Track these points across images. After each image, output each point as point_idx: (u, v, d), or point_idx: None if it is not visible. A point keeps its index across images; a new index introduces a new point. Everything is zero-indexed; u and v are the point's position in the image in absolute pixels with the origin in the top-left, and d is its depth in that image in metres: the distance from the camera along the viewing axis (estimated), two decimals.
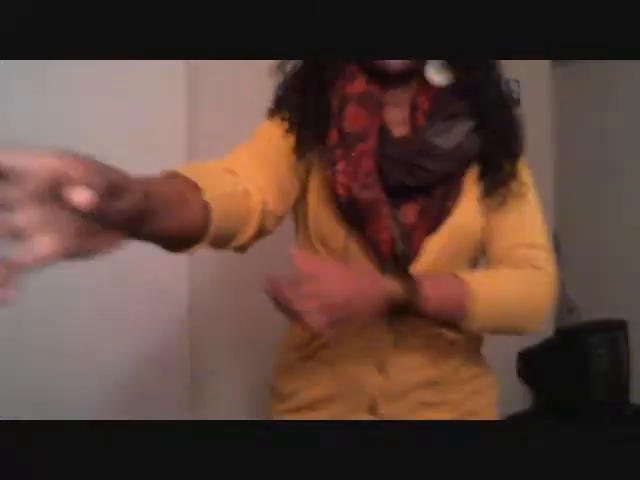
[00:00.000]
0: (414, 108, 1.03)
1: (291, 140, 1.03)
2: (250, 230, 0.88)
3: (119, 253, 1.96)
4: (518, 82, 3.03)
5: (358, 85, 1.05)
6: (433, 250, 1.01)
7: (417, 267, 1.01)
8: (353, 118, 0.99)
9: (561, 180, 3.36)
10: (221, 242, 0.84)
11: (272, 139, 1.06)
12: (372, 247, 0.99)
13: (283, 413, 1.17)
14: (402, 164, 0.97)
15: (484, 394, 1.14)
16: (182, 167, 0.89)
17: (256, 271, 2.13)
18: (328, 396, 1.10)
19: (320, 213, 1.02)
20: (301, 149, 1.01)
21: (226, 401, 2.11)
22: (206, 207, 0.78)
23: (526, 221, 1.08)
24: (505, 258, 1.03)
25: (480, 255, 1.10)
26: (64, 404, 1.71)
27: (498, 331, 1.01)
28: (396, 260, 0.99)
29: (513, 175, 1.04)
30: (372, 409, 1.09)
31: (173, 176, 0.86)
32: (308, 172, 1.03)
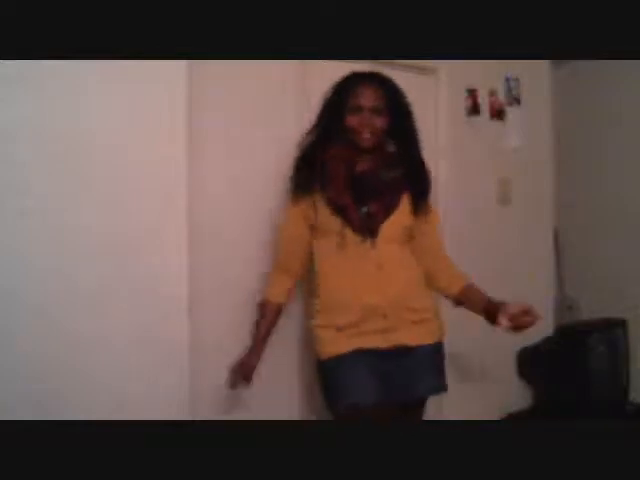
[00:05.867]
0: (374, 161, 1.93)
1: (303, 201, 1.94)
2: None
3: (120, 254, 1.96)
4: (518, 81, 3.04)
5: (335, 150, 1.91)
6: (387, 228, 1.89)
7: (380, 237, 1.87)
8: (333, 166, 1.91)
9: (561, 180, 3.37)
10: None
11: (293, 219, 1.97)
12: (351, 227, 1.86)
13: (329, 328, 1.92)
14: (363, 185, 1.90)
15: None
16: (269, 292, 2.04)
17: (254, 272, 2.14)
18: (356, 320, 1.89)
19: (325, 217, 1.90)
20: (307, 189, 1.92)
21: (226, 401, 2.11)
22: (280, 306, 2.03)
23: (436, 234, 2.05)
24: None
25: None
26: (64, 404, 1.71)
27: None
28: (368, 234, 1.86)
29: (425, 200, 1.96)
30: (384, 316, 1.86)
31: (264, 306, 2.02)
32: (314, 206, 1.92)
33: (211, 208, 2.10)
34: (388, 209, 1.88)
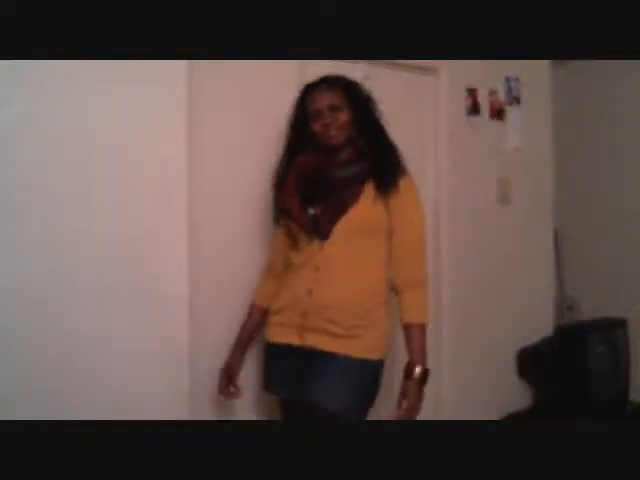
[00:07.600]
0: (344, 158, 1.94)
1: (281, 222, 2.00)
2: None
3: (120, 254, 1.96)
4: (518, 81, 3.04)
5: (301, 158, 1.94)
6: (343, 226, 1.85)
7: (333, 238, 1.85)
8: (290, 173, 1.94)
9: (561, 180, 3.37)
10: None
11: (275, 241, 2.07)
12: (300, 229, 1.89)
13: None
14: (310, 187, 1.91)
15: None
16: (256, 295, 2.10)
17: (254, 272, 2.14)
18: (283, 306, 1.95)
19: (288, 224, 1.95)
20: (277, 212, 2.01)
21: (225, 400, 2.11)
22: (263, 309, 2.06)
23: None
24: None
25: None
26: (63, 404, 1.71)
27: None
28: (317, 235, 1.86)
29: (393, 185, 1.87)
30: (303, 315, 1.88)
31: (252, 309, 2.09)
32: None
33: (210, 208, 2.10)
34: (340, 207, 1.85)
